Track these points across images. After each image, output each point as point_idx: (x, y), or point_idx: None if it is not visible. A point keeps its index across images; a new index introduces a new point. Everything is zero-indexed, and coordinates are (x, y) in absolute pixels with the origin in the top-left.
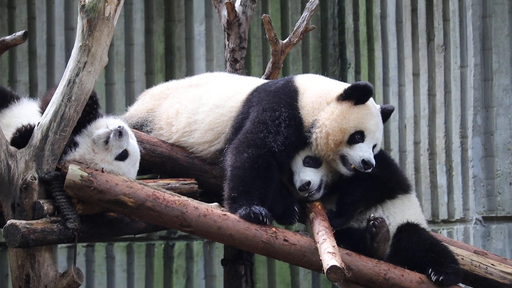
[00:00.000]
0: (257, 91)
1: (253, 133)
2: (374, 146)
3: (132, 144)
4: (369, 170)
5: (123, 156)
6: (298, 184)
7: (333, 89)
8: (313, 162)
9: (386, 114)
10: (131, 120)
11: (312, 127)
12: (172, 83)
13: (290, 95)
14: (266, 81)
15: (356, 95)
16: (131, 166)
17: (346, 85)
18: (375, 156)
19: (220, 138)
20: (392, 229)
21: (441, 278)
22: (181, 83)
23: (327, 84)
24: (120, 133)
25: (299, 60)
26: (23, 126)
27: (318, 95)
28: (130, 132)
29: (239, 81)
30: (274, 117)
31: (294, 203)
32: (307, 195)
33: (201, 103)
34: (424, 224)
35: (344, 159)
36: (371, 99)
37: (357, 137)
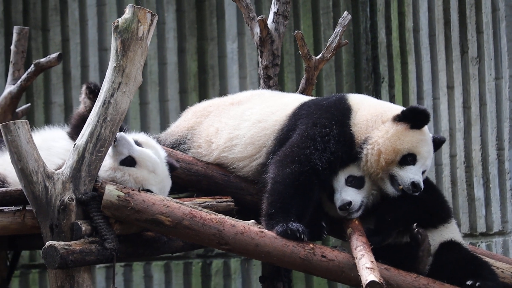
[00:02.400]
0: (306, 105)
1: (300, 148)
2: (423, 172)
3: (141, 151)
4: (417, 194)
5: (129, 161)
6: (339, 203)
7: (389, 110)
8: (356, 182)
9: (437, 143)
10: (171, 138)
11: (364, 143)
12: (215, 101)
13: (343, 112)
14: (309, 97)
15: (413, 119)
16: (148, 172)
17: (403, 108)
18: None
19: (262, 151)
20: (433, 249)
21: (478, 284)
22: (223, 100)
23: (383, 105)
24: (114, 141)
25: (332, 76)
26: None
27: (373, 114)
28: (129, 141)
29: (283, 97)
30: (324, 133)
31: (322, 218)
32: (346, 214)
33: (243, 120)
34: (464, 245)
35: (393, 179)
36: (426, 126)
37: (409, 159)
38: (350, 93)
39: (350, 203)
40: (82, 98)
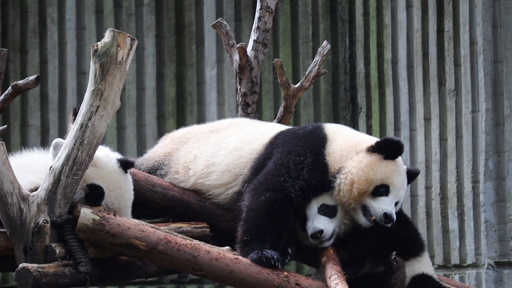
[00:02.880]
0: (283, 134)
1: (274, 176)
2: (396, 203)
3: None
4: (389, 225)
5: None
6: (310, 231)
7: (364, 141)
8: (329, 211)
9: (411, 175)
10: (148, 163)
11: (338, 173)
12: (193, 128)
13: (319, 141)
14: (288, 127)
15: (387, 150)
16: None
17: (377, 139)
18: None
19: (238, 180)
20: (406, 282)
21: None
22: (202, 128)
23: (358, 136)
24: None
25: (310, 105)
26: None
27: (348, 144)
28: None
29: (261, 126)
30: (297, 161)
31: (289, 245)
32: (317, 243)
33: (221, 147)
34: (436, 278)
35: (365, 209)
36: (400, 157)
37: (382, 190)
38: (328, 123)
39: (321, 231)
40: (69, 124)
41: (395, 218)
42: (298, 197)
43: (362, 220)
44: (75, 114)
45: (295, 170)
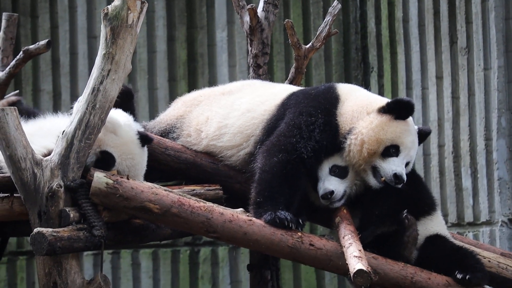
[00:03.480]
0: (295, 94)
1: (286, 137)
2: (407, 164)
3: None
4: (399, 186)
5: None
6: (321, 192)
7: (375, 101)
8: (340, 172)
9: (423, 135)
10: (159, 126)
11: (348, 133)
12: (205, 90)
13: (331, 101)
14: (299, 88)
15: (398, 110)
16: (105, 132)
17: (385, 99)
18: (406, 174)
19: (250, 141)
20: (419, 242)
21: (468, 276)
22: (214, 90)
23: (370, 96)
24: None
25: (321, 65)
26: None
27: (359, 105)
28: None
29: (273, 87)
30: (309, 122)
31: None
32: (328, 203)
33: (233, 109)
34: (450, 238)
35: (375, 170)
36: (411, 117)
37: (391, 150)
38: (340, 83)
39: (332, 192)
40: None
41: (405, 178)
42: (310, 158)
43: (372, 181)
44: None
45: (306, 131)
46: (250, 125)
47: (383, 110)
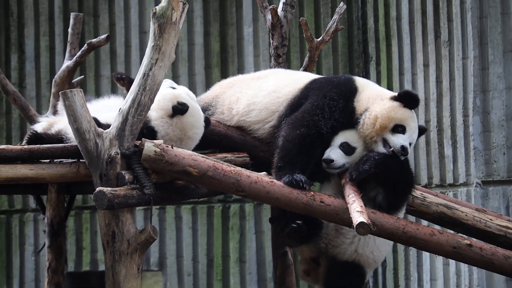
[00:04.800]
0: (318, 80)
1: (310, 114)
2: (410, 144)
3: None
4: (404, 157)
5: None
6: (324, 156)
7: (388, 93)
8: (348, 149)
9: (421, 130)
10: (198, 103)
11: (364, 112)
12: (238, 76)
13: (350, 90)
14: (318, 75)
15: (407, 100)
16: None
17: (396, 93)
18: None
19: (274, 115)
20: None
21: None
22: (245, 76)
23: (383, 89)
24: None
25: (330, 55)
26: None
27: (374, 94)
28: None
29: (295, 74)
30: (331, 104)
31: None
32: (326, 167)
33: (260, 90)
34: None
35: (385, 142)
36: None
37: (399, 129)
38: (357, 77)
39: (332, 160)
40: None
41: (409, 152)
42: (328, 134)
43: (382, 150)
44: (118, 79)
45: (328, 112)
46: (275, 103)
47: (395, 98)
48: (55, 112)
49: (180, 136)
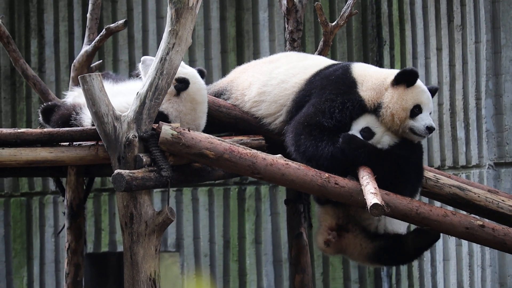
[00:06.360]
0: (319, 75)
1: (312, 118)
2: (430, 113)
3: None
4: (430, 135)
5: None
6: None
7: (386, 77)
8: (367, 134)
9: (432, 91)
10: (214, 88)
11: (379, 107)
12: (253, 61)
13: (349, 85)
14: (326, 60)
15: (406, 79)
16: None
17: (393, 72)
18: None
19: (283, 110)
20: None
21: None
22: (260, 60)
23: (379, 73)
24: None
25: (344, 39)
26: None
27: (376, 84)
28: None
29: (305, 59)
30: (332, 106)
31: None
32: None
33: (271, 77)
34: None
35: (413, 130)
36: (418, 80)
37: (416, 110)
38: (352, 65)
39: None
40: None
41: (435, 126)
42: (335, 130)
43: (416, 138)
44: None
45: (328, 113)
46: (283, 95)
47: (396, 82)
48: None
49: (192, 107)
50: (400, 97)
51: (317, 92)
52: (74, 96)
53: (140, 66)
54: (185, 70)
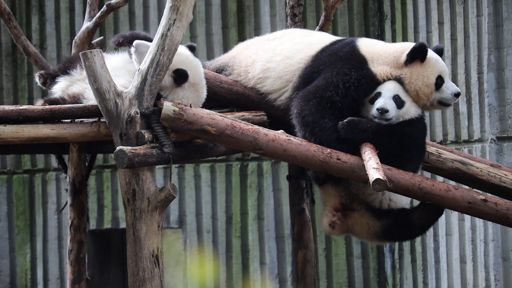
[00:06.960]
0: (325, 52)
1: (324, 90)
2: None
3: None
4: (457, 99)
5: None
6: (379, 105)
7: (396, 55)
8: (399, 102)
9: (439, 52)
10: (215, 63)
11: (399, 81)
12: (256, 38)
13: (360, 61)
14: (330, 36)
15: (418, 56)
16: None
17: (403, 47)
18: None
19: (288, 86)
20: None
21: None
22: (262, 37)
23: (387, 48)
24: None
25: (345, 14)
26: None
27: (387, 65)
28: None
29: (309, 35)
30: (345, 80)
31: None
32: (377, 116)
33: (275, 53)
34: None
35: (441, 102)
36: (429, 50)
37: (439, 81)
38: (358, 41)
39: (387, 111)
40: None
41: (459, 91)
42: (344, 107)
43: (445, 108)
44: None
45: (343, 88)
46: (288, 71)
47: (410, 60)
48: None
49: (194, 89)
50: (420, 74)
51: (326, 69)
52: (62, 88)
53: (132, 51)
54: (181, 58)
